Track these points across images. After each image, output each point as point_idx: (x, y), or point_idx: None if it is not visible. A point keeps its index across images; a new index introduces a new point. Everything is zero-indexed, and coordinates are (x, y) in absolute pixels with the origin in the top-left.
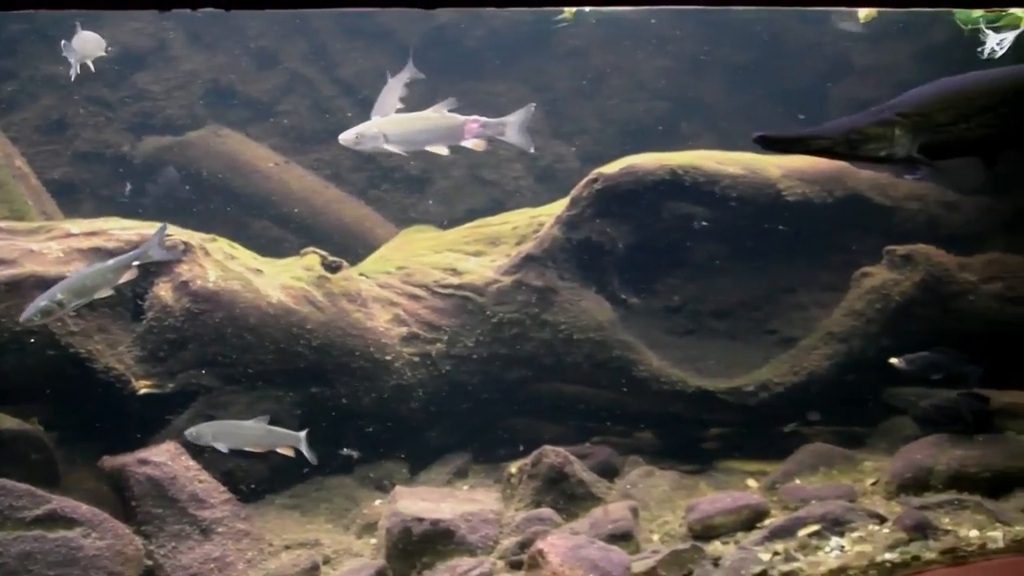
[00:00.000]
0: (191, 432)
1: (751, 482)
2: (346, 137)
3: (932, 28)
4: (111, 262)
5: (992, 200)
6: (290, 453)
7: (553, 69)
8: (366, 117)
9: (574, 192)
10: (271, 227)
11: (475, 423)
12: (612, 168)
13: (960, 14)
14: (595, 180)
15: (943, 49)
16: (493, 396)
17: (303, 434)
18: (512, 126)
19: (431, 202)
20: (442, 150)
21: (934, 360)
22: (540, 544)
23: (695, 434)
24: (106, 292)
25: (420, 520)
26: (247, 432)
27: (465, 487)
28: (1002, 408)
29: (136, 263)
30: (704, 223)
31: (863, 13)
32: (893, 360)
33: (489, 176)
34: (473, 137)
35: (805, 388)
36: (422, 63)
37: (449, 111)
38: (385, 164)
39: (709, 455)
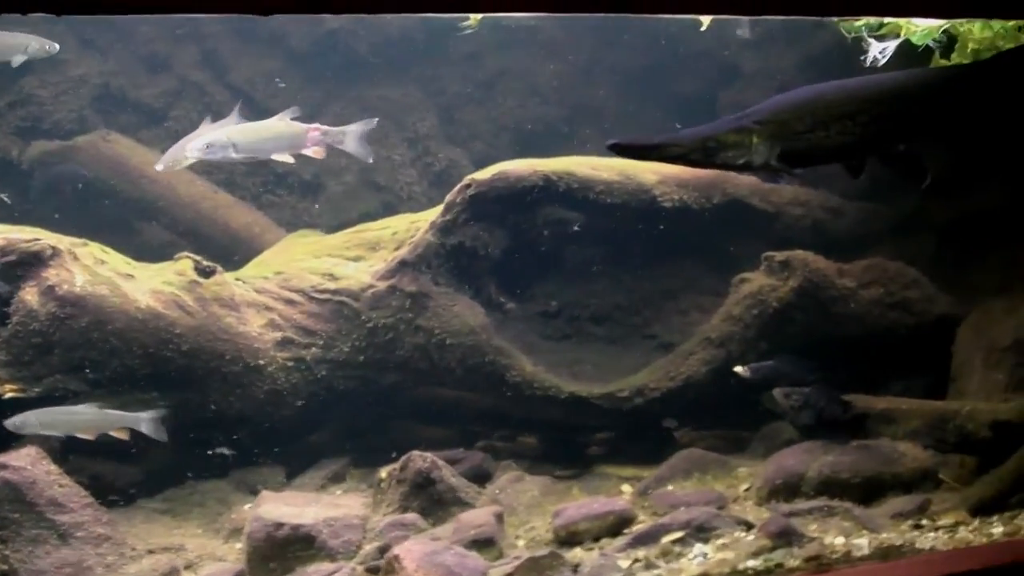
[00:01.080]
0: (13, 422)
1: (626, 487)
2: (195, 147)
3: (816, 35)
4: None
5: (878, 206)
6: (124, 436)
7: (447, 74)
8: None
9: (448, 197)
10: (162, 232)
11: (353, 428)
12: (485, 174)
13: (843, 23)
14: (468, 186)
15: (826, 56)
16: (371, 401)
17: (146, 415)
18: (352, 135)
19: (317, 207)
20: (287, 158)
21: (778, 369)
22: (396, 549)
23: (574, 439)
24: None
25: (281, 525)
26: (78, 417)
27: (339, 492)
28: (878, 414)
29: None
30: (576, 228)
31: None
32: (737, 369)
33: (382, 181)
34: (314, 145)
35: (682, 393)
36: (313, 68)
37: (292, 119)
38: (278, 169)
39: (588, 460)
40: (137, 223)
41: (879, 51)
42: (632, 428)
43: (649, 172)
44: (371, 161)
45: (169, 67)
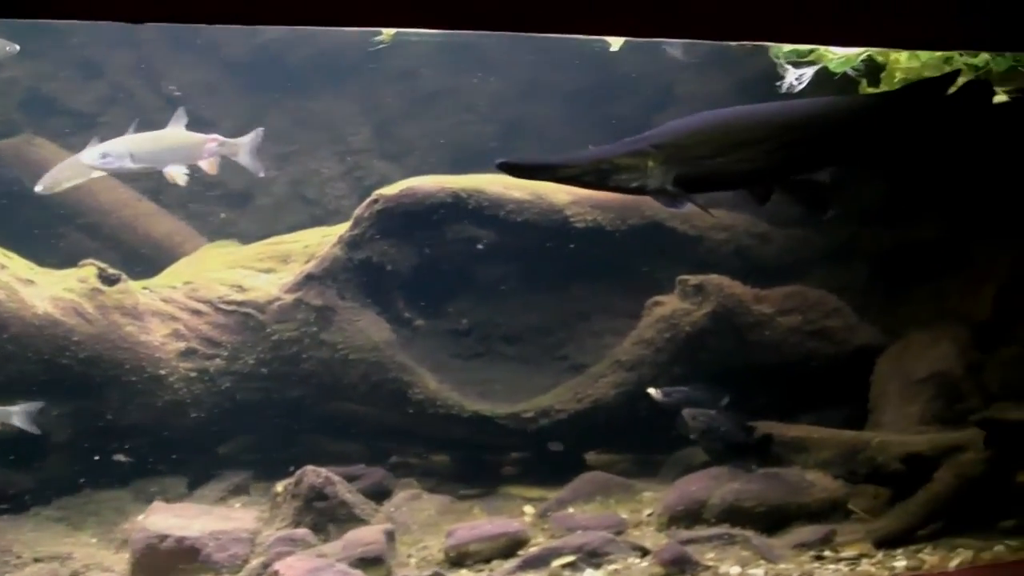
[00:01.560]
0: None
1: (528, 509)
2: (90, 155)
3: (749, 60)
4: None
5: (809, 233)
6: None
7: (382, 89)
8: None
9: (356, 212)
10: (85, 239)
11: (258, 440)
12: (392, 189)
13: (774, 48)
14: (376, 201)
15: (759, 81)
16: (276, 414)
17: (16, 408)
18: (244, 148)
19: (221, 216)
20: (183, 169)
21: (690, 394)
22: (277, 565)
23: (487, 459)
24: None
25: (165, 537)
26: None
27: (238, 505)
28: (789, 442)
29: None
30: (484, 246)
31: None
32: (651, 390)
33: (311, 194)
34: (210, 156)
35: (590, 416)
36: (247, 80)
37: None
38: (207, 180)
39: (497, 480)
40: (59, 229)
41: (795, 77)
42: (543, 449)
43: (563, 192)
44: (262, 175)
45: (102, 73)
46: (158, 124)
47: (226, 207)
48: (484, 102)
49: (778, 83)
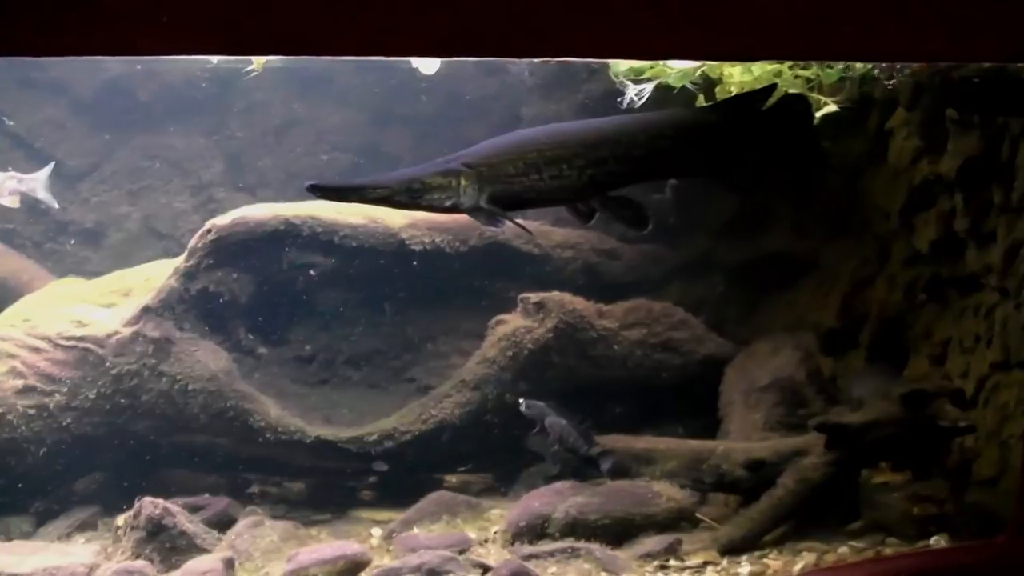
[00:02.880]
0: None
1: (376, 531)
2: None
3: (591, 80)
4: None
5: (659, 248)
6: None
7: (234, 121)
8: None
9: (191, 243)
10: None
11: (105, 475)
12: (225, 219)
13: (612, 67)
14: (209, 231)
15: (601, 100)
16: (122, 447)
17: None
18: (39, 183)
19: (73, 254)
20: None
21: (543, 411)
22: None
23: (335, 483)
24: None
25: None
26: None
27: (82, 540)
28: (638, 453)
29: None
30: (318, 272)
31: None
32: (521, 401)
33: (164, 229)
34: (11, 193)
35: (435, 436)
36: (97, 116)
37: None
38: (60, 218)
39: (349, 504)
40: None
41: (635, 93)
42: (391, 472)
43: (399, 216)
44: (57, 207)
45: None
46: (2, 164)
47: (79, 244)
48: (336, 131)
49: (619, 99)
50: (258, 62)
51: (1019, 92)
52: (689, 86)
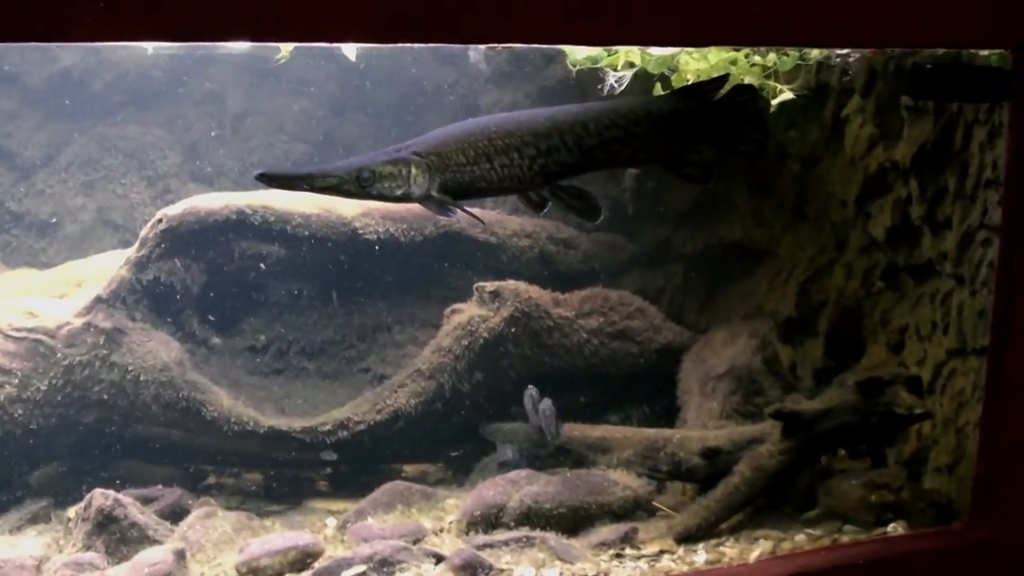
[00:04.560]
0: None
1: (331, 521)
2: None
3: (549, 68)
4: None
5: (616, 237)
6: None
7: (190, 112)
8: None
9: (142, 233)
10: None
11: (57, 467)
12: (176, 208)
13: (570, 56)
14: (160, 220)
15: (560, 88)
16: (75, 439)
17: None
18: None
19: (25, 244)
20: None
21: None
22: None
23: (290, 473)
24: None
25: None
26: None
27: (35, 533)
28: (594, 442)
29: None
30: (269, 262)
31: None
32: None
33: (120, 220)
34: None
35: (390, 425)
36: (48, 108)
37: None
38: (14, 209)
39: (305, 495)
40: None
41: (615, 80)
42: (347, 461)
43: (352, 205)
44: None
45: None
46: None
47: (33, 236)
48: (293, 121)
49: (599, 86)
50: (285, 50)
51: (973, 78)
52: (667, 72)
